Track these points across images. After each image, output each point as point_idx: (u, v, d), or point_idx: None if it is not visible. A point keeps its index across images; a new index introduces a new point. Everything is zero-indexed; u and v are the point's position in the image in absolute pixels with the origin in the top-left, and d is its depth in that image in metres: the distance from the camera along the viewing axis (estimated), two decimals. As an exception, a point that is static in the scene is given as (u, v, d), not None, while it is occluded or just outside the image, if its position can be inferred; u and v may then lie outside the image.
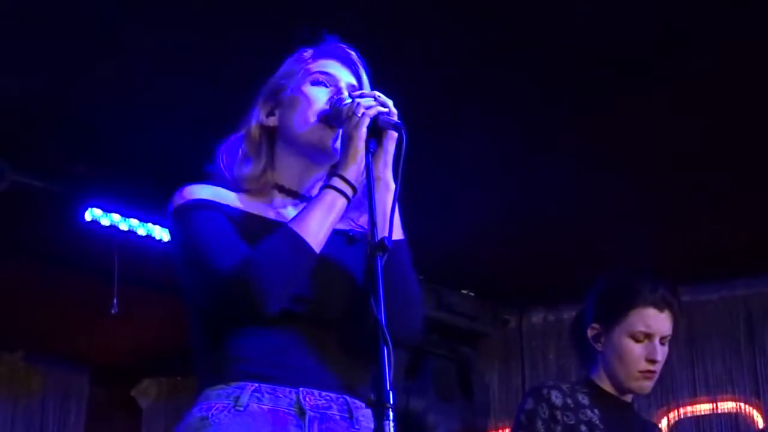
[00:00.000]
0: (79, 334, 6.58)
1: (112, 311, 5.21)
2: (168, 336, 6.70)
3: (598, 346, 3.08)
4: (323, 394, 2.04)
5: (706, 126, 4.80)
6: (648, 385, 3.06)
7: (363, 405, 2.06)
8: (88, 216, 5.01)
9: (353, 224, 2.18)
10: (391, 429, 1.81)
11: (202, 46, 4.22)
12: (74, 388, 7.20)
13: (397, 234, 2.08)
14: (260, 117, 2.24)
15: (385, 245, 1.94)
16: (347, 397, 2.06)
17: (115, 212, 5.09)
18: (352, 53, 2.28)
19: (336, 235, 2.12)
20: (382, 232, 1.97)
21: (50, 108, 4.63)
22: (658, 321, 3.03)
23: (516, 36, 4.22)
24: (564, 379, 6.76)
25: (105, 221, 5.06)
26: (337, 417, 2.04)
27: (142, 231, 5.17)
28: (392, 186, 2.06)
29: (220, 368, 2.05)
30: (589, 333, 3.09)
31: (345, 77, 2.24)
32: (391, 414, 1.82)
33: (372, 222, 1.98)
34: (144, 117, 4.67)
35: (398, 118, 2.07)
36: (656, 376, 3.06)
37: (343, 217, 2.12)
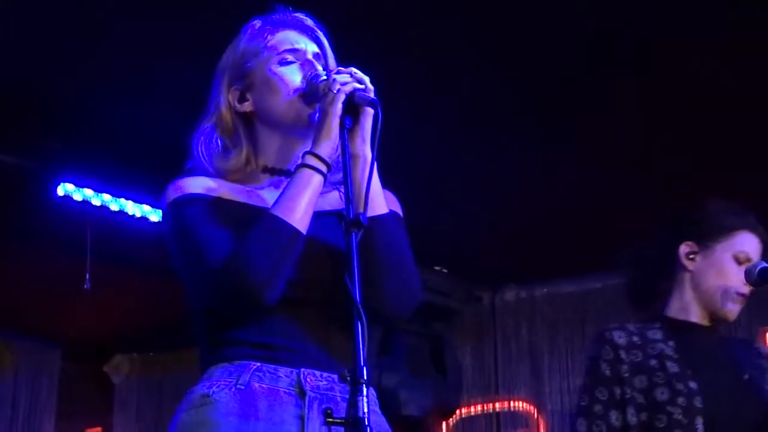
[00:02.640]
0: (51, 310, 6.55)
1: (85, 287, 5.20)
2: (141, 311, 6.69)
3: (690, 265, 2.99)
4: (324, 375, 2.06)
5: (682, 117, 4.83)
6: (738, 310, 2.99)
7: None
8: (60, 191, 4.98)
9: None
10: (365, 405, 1.81)
11: (174, 25, 4.19)
12: (46, 364, 7.17)
13: (381, 209, 2.08)
14: (231, 102, 2.22)
15: (359, 221, 1.93)
16: None
17: (88, 187, 5.07)
18: (308, 19, 2.26)
19: (326, 216, 2.12)
20: (357, 208, 1.96)
21: (22, 84, 4.58)
22: (758, 248, 2.99)
23: (500, 24, 4.23)
24: (535, 355, 6.81)
25: (77, 196, 5.03)
26: (338, 398, 2.04)
27: (114, 206, 5.15)
28: (369, 161, 2.04)
29: (222, 349, 2.07)
30: (683, 250, 3.00)
31: (309, 47, 2.23)
32: (365, 390, 1.82)
33: (347, 198, 1.97)
34: (116, 93, 4.64)
35: (374, 95, 2.06)
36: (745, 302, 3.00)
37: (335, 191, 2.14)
